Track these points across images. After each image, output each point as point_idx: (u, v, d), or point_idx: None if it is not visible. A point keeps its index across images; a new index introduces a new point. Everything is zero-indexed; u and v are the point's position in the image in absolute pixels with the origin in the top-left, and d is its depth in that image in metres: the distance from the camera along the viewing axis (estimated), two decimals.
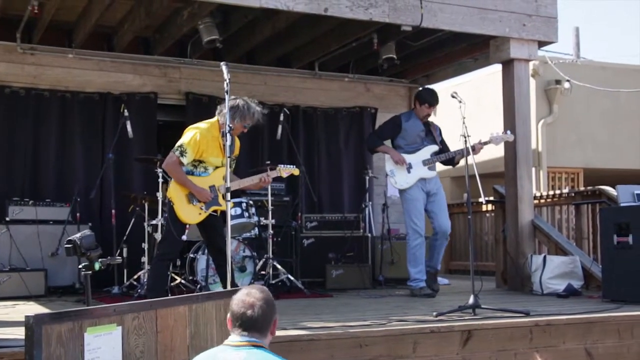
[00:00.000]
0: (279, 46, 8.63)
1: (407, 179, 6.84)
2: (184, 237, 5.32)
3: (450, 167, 7.31)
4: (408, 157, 6.86)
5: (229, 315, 2.82)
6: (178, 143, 5.32)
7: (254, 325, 2.76)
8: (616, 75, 11.95)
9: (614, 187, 6.74)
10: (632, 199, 6.21)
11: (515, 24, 7.24)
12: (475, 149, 6.46)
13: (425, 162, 6.85)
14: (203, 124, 5.40)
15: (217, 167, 5.40)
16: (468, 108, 5.65)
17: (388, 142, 7.07)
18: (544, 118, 11.22)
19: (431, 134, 6.97)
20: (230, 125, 4.83)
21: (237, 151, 5.63)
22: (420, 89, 7.11)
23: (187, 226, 5.36)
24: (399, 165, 6.83)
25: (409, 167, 6.83)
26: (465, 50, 8.55)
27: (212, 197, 5.33)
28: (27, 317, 2.48)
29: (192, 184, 5.28)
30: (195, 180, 5.34)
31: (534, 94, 10.57)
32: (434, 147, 6.92)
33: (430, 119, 7.09)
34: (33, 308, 5.93)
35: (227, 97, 4.81)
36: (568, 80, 11.24)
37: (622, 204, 6.23)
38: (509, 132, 6.71)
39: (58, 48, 8.03)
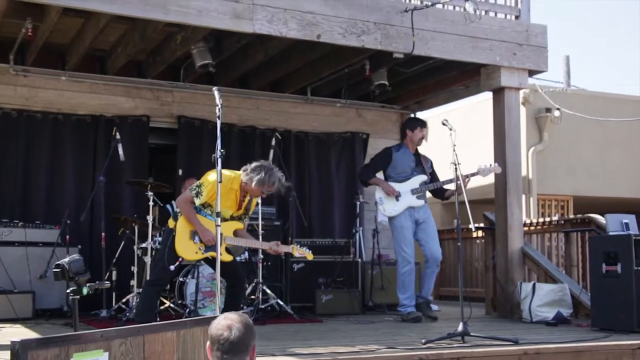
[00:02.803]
0: (272, 71, 8.68)
1: (395, 207, 6.96)
2: (172, 268, 5.26)
3: (439, 199, 7.40)
4: (397, 186, 6.99)
5: (208, 342, 2.80)
6: (197, 182, 5.34)
7: (232, 348, 2.71)
8: (606, 104, 12.06)
9: (603, 215, 6.77)
10: (621, 228, 6.24)
11: (505, 53, 7.32)
12: (464, 183, 6.56)
13: (413, 191, 6.99)
14: (227, 172, 5.31)
15: (226, 220, 5.32)
16: (459, 135, 5.69)
17: (380, 174, 7.17)
18: (535, 145, 11.28)
19: (421, 164, 7.12)
20: (222, 151, 4.83)
21: (252, 209, 5.64)
22: (405, 121, 7.30)
23: (180, 259, 5.30)
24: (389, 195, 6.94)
25: (398, 196, 6.95)
26: (456, 78, 8.62)
27: (214, 243, 5.18)
28: (12, 342, 2.45)
29: (199, 223, 5.28)
30: (203, 220, 5.32)
31: (525, 121, 10.64)
32: (423, 177, 7.06)
33: (422, 146, 7.19)
34: (20, 331, 5.88)
35: (218, 122, 4.82)
36: (558, 109, 11.32)
37: (610, 233, 6.26)
38: (496, 164, 6.81)
39: (51, 70, 8.06)
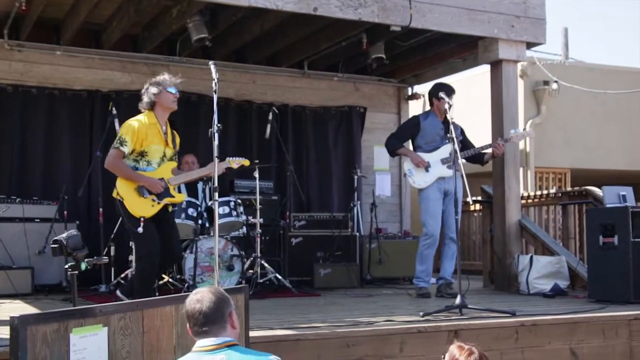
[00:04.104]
0: (268, 45, 8.62)
1: (425, 178, 6.72)
2: (140, 230, 5.07)
3: (479, 164, 7.07)
4: (426, 156, 6.74)
5: (187, 324, 2.78)
6: (117, 136, 5.21)
7: (207, 319, 2.70)
8: (604, 77, 12.02)
9: (600, 188, 6.78)
10: (618, 200, 6.25)
11: (503, 25, 7.27)
12: (498, 147, 6.58)
13: (444, 161, 6.70)
14: (138, 116, 5.29)
15: (162, 162, 5.27)
16: (456, 108, 5.68)
17: (407, 144, 6.99)
18: (532, 118, 11.25)
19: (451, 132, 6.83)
20: (219, 125, 4.82)
21: (178, 145, 5.49)
22: (431, 88, 7.01)
23: (142, 219, 5.09)
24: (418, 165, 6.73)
25: (428, 166, 6.71)
26: (454, 51, 8.57)
27: (164, 188, 5.19)
28: (11, 317, 2.47)
29: (140, 175, 5.13)
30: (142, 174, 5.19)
31: (522, 94, 10.60)
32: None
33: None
34: (19, 307, 5.90)
35: (215, 96, 4.80)
36: (556, 81, 11.29)
37: (607, 205, 6.28)
38: (531, 129, 6.63)
39: (46, 45, 7.99)
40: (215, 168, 4.94)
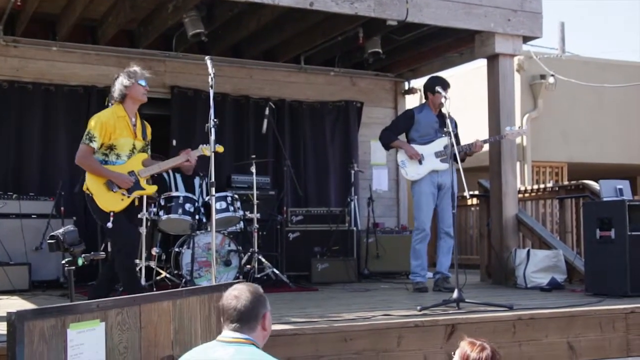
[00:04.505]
0: (265, 40, 8.61)
1: (418, 171, 6.71)
2: (110, 225, 5.05)
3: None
4: (420, 149, 6.73)
5: (222, 316, 2.83)
6: (84, 134, 5.19)
7: (240, 317, 2.76)
8: (601, 70, 12.03)
9: (597, 182, 6.79)
10: (615, 193, 6.26)
11: (500, 19, 7.27)
12: (476, 146, 6.57)
13: (437, 154, 6.70)
14: (106, 109, 5.29)
15: (132, 154, 5.25)
16: (453, 102, 5.67)
17: (402, 137, 6.97)
18: (529, 113, 11.26)
19: (445, 125, 6.79)
20: (216, 120, 4.81)
21: (149, 135, 5.45)
22: (426, 81, 7.00)
23: (111, 214, 5.07)
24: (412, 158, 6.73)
25: (421, 159, 6.70)
26: (450, 45, 8.57)
27: (133, 182, 5.17)
28: (9, 313, 2.47)
29: (108, 170, 5.11)
30: (111, 168, 5.17)
31: (519, 88, 10.59)
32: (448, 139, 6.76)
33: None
34: (16, 302, 5.90)
35: (211, 91, 4.79)
36: (553, 75, 11.30)
37: (604, 199, 6.28)
38: (526, 127, 6.63)
39: (41, 41, 7.97)
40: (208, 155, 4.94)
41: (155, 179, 7.39)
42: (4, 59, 7.79)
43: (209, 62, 4.84)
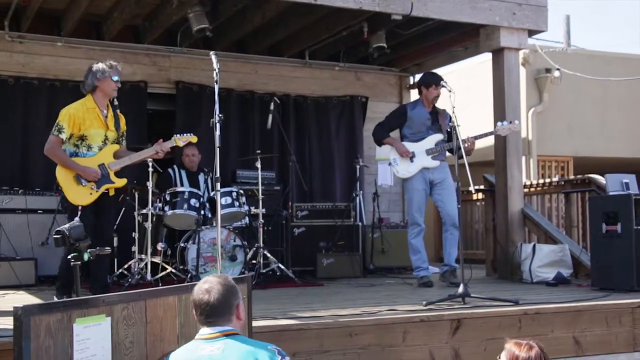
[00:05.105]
0: (270, 35, 8.60)
1: (409, 168, 6.72)
2: (76, 219, 5.09)
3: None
4: (412, 146, 6.72)
5: (193, 310, 2.81)
6: (54, 126, 5.19)
7: (214, 311, 2.74)
8: (606, 64, 11.98)
9: (603, 176, 6.77)
10: (621, 187, 6.24)
11: (505, 13, 7.24)
12: (469, 142, 6.48)
13: (428, 152, 6.69)
14: (77, 101, 5.31)
15: (104, 145, 5.25)
16: (458, 97, 5.65)
17: (395, 133, 6.97)
18: (534, 107, 11.24)
19: (438, 122, 6.78)
20: (221, 115, 4.80)
21: (123, 127, 5.45)
22: (419, 76, 6.99)
23: (79, 208, 5.06)
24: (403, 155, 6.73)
25: (412, 157, 6.70)
26: (455, 39, 8.54)
27: (102, 175, 5.15)
28: (15, 308, 2.47)
29: (75, 164, 5.11)
30: (81, 161, 5.17)
31: (524, 82, 10.58)
32: (439, 136, 6.73)
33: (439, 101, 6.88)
34: (23, 297, 5.92)
35: (216, 86, 4.79)
36: (558, 69, 11.26)
37: (610, 193, 6.26)
38: (517, 121, 6.61)
39: (47, 36, 7.99)
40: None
41: (160, 174, 7.43)
42: (10, 55, 7.81)
43: (213, 58, 4.84)
